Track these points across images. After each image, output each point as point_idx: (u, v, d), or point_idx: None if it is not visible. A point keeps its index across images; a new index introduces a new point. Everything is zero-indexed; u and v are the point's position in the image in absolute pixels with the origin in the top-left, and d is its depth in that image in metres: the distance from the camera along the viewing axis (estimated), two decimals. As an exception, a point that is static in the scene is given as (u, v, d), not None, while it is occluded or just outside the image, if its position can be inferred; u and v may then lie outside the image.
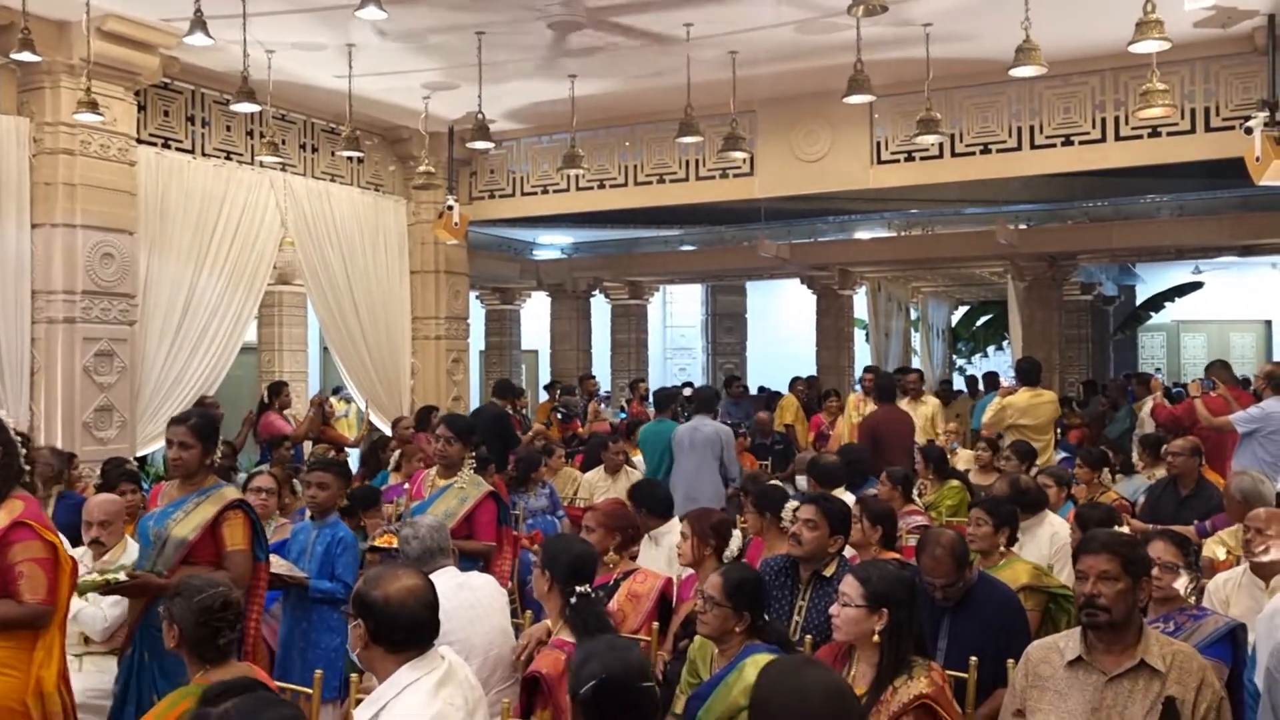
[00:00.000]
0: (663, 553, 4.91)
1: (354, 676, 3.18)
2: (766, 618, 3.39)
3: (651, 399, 10.30)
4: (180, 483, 4.02)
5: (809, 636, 3.64)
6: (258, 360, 11.72)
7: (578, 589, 3.45)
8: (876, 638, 2.94)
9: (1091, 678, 2.80)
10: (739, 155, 8.20)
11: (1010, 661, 3.27)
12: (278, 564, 4.47)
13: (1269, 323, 20.31)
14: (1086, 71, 8.01)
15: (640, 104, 9.10)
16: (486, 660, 3.55)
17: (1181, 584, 3.66)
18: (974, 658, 3.41)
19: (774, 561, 4.08)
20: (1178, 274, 18.34)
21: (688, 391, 11.05)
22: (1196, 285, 17.50)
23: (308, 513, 5.04)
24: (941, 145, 8.38)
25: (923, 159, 8.63)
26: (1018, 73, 6.14)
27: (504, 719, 3.17)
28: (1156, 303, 17.46)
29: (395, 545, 4.73)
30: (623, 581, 4.43)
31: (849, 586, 3.00)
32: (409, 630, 2.63)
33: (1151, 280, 19.04)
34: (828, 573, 3.91)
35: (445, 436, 5.17)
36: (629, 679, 2.53)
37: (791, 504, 4.79)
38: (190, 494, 3.96)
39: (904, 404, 9.13)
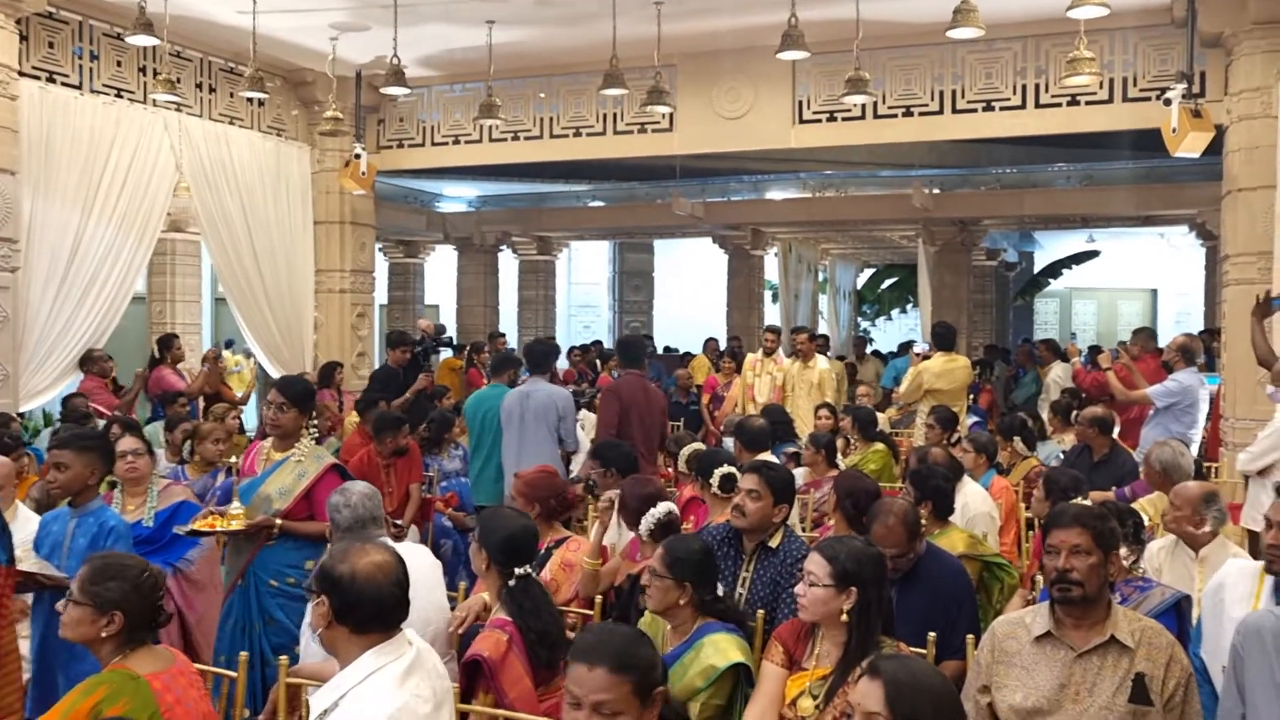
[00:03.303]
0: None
1: (283, 659, 2.95)
2: (720, 593, 3.26)
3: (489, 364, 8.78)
4: None
5: (761, 611, 3.51)
6: (148, 311, 11.13)
7: (516, 571, 3.24)
8: (845, 617, 2.83)
9: (1060, 653, 2.74)
10: (662, 110, 7.99)
11: (971, 637, 3.21)
12: (30, 563, 3.73)
13: (1155, 291, 21.04)
14: (1009, 38, 8.00)
15: (558, 55, 8.81)
16: (423, 636, 3.33)
17: (1122, 554, 3.65)
18: (931, 633, 3.33)
19: (716, 531, 3.92)
20: (1073, 242, 18.81)
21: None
22: (1094, 254, 17.95)
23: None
24: (864, 107, 8.30)
25: (844, 120, 8.54)
26: (955, 34, 6.04)
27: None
28: (1055, 270, 17.87)
29: (218, 528, 4.21)
30: (555, 550, 4.26)
31: (815, 565, 2.87)
32: (376, 611, 2.47)
33: (1050, 247, 19.50)
34: (773, 543, 3.78)
35: (276, 402, 4.41)
36: None
37: (719, 471, 4.64)
38: None
39: (796, 368, 9.01)
